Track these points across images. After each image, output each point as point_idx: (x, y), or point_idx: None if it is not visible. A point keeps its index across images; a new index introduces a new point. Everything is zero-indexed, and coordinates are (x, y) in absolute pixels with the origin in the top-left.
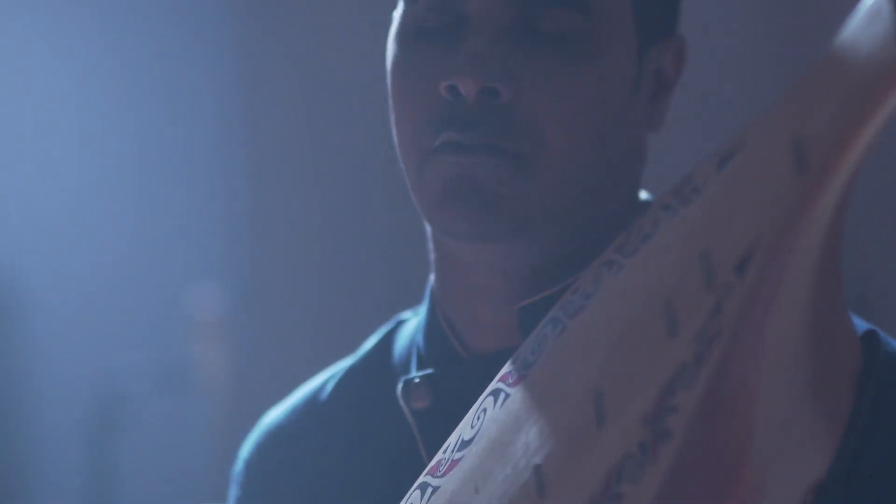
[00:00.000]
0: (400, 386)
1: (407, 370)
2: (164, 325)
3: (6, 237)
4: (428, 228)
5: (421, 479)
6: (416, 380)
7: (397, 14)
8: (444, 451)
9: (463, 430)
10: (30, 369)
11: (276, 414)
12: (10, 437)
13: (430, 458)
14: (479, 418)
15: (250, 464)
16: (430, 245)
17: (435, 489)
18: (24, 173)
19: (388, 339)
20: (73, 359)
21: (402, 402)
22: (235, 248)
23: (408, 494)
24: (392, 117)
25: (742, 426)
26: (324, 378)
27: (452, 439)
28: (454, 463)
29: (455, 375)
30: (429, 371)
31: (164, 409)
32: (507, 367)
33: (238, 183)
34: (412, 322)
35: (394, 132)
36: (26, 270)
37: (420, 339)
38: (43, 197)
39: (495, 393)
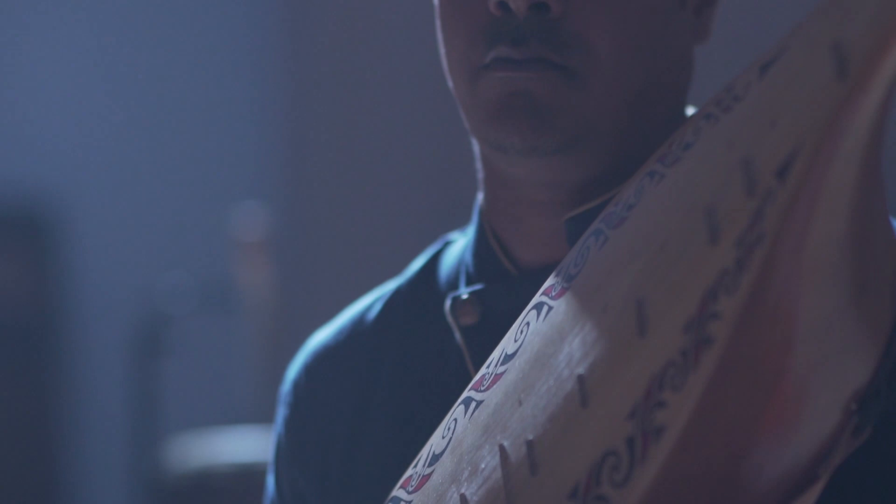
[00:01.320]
0: (448, 302)
1: (455, 288)
2: (209, 245)
3: (50, 158)
4: (476, 146)
5: (465, 394)
6: (465, 296)
7: None
8: (488, 366)
9: (506, 344)
10: (74, 290)
11: (323, 335)
12: (55, 359)
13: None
14: (522, 332)
15: (298, 384)
16: (479, 163)
17: (479, 403)
18: (69, 93)
19: (436, 260)
20: (117, 280)
21: (450, 318)
22: (280, 168)
23: (452, 410)
24: (440, 35)
25: (784, 333)
26: (371, 299)
27: (496, 354)
28: (497, 377)
29: (503, 291)
30: (477, 287)
31: (208, 329)
32: (550, 281)
33: (284, 103)
34: (459, 243)
35: (442, 50)
36: (70, 191)
37: (468, 257)
38: (87, 117)
39: (538, 306)
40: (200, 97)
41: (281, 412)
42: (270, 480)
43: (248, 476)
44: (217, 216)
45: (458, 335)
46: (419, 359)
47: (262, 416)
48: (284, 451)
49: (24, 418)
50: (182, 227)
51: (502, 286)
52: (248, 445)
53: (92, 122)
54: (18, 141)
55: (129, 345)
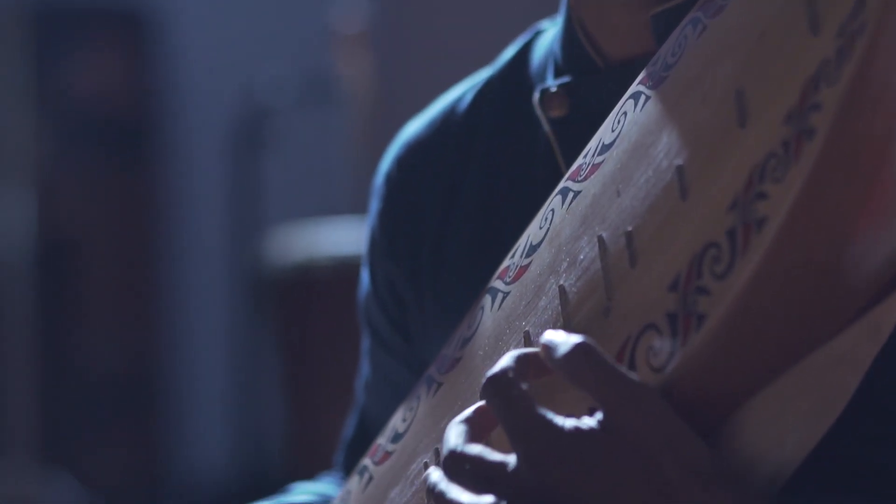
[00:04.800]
0: (537, 95)
1: (544, 79)
2: (309, 37)
3: None
4: None
5: (562, 184)
6: (553, 88)
7: None
8: (585, 156)
9: (603, 133)
10: (174, 85)
11: (415, 126)
12: (156, 155)
13: (568, 167)
14: (619, 122)
15: (390, 177)
16: None
17: (576, 194)
18: None
19: (526, 50)
20: (217, 74)
21: (539, 110)
22: None
23: (548, 200)
24: None
25: (886, 122)
26: (462, 89)
27: (593, 144)
28: (595, 167)
29: (591, 83)
30: (565, 79)
31: (308, 121)
32: (647, 70)
33: None
34: (550, 32)
35: None
36: None
37: (557, 49)
38: None
39: (636, 96)
40: None
41: (374, 205)
42: (365, 273)
43: (347, 268)
44: (317, 8)
45: (546, 127)
46: (509, 150)
47: (360, 207)
48: (378, 244)
49: (125, 216)
50: (282, 20)
51: (590, 79)
52: (347, 237)
53: None
54: None
55: (229, 139)
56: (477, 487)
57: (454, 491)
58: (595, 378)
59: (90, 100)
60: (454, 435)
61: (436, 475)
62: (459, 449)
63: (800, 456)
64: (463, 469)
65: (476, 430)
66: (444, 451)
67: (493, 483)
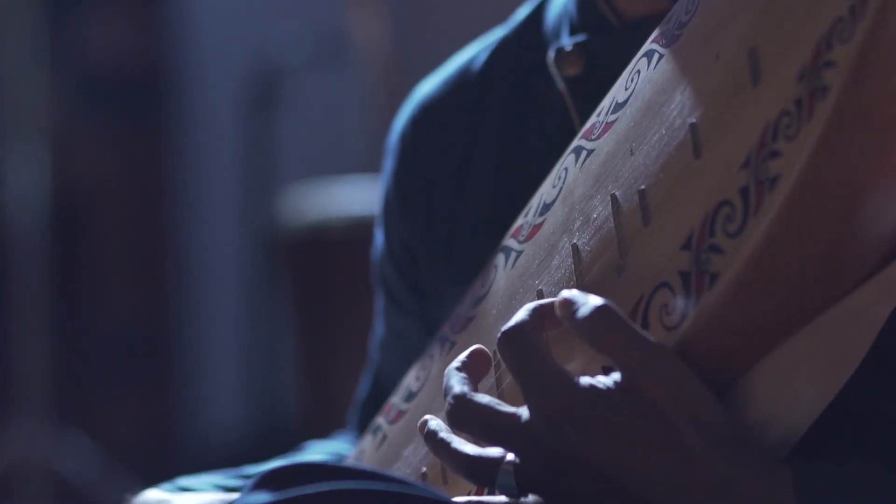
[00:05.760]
0: (552, 53)
1: (559, 38)
2: None
3: None
4: None
5: (575, 142)
6: (568, 47)
7: None
8: (598, 115)
9: (617, 92)
10: (187, 44)
11: (429, 86)
12: (169, 114)
13: (582, 125)
14: (632, 80)
15: (405, 136)
16: None
17: (589, 152)
18: None
19: (541, 9)
20: (230, 32)
21: (553, 69)
22: None
23: (562, 158)
24: None
25: None
26: (477, 49)
27: (606, 102)
28: (608, 126)
29: (606, 42)
30: (580, 38)
31: (322, 81)
32: (660, 28)
33: None
34: None
35: None
36: None
37: (571, 7)
38: None
39: (649, 54)
40: None
41: (388, 164)
42: (379, 233)
43: (361, 228)
44: None
45: (561, 86)
46: (523, 110)
47: (375, 167)
48: (391, 203)
49: (139, 174)
50: None
51: (605, 37)
52: (361, 197)
53: None
54: None
55: (243, 98)
56: (484, 438)
57: (457, 441)
58: (615, 340)
59: (104, 58)
60: (456, 381)
61: (434, 423)
62: (468, 396)
63: (812, 415)
64: (468, 418)
65: (473, 377)
66: (448, 398)
67: (503, 435)
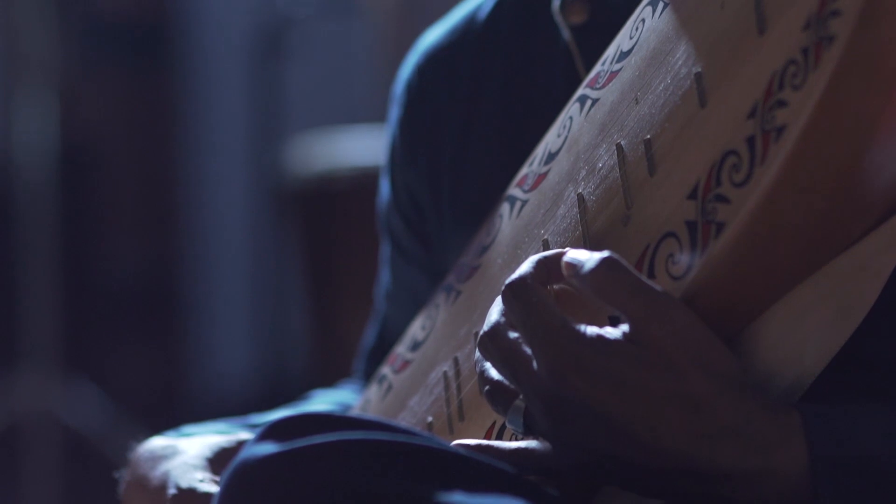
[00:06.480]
0: (557, 1)
1: None
2: None
3: None
4: None
5: (580, 91)
6: None
7: None
8: (603, 63)
9: (621, 41)
10: None
11: (434, 34)
12: (176, 64)
13: (588, 74)
14: (637, 29)
15: (410, 84)
16: None
17: (594, 101)
18: None
19: None
20: None
21: (558, 17)
22: None
23: (567, 107)
24: None
25: None
26: None
27: (611, 51)
28: (613, 74)
29: None
30: None
31: (329, 31)
32: None
33: None
34: None
35: None
36: None
37: None
38: None
39: (653, 3)
40: None
41: (394, 113)
42: (385, 182)
43: (368, 178)
44: None
45: (566, 34)
46: (528, 58)
47: (382, 116)
48: (397, 152)
49: (147, 123)
50: None
51: None
52: (368, 146)
53: None
54: None
55: (250, 47)
56: (500, 374)
57: (488, 366)
58: (621, 290)
59: (112, 5)
60: (497, 312)
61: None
62: (499, 328)
63: (820, 365)
64: (492, 350)
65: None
66: (485, 325)
67: (515, 376)
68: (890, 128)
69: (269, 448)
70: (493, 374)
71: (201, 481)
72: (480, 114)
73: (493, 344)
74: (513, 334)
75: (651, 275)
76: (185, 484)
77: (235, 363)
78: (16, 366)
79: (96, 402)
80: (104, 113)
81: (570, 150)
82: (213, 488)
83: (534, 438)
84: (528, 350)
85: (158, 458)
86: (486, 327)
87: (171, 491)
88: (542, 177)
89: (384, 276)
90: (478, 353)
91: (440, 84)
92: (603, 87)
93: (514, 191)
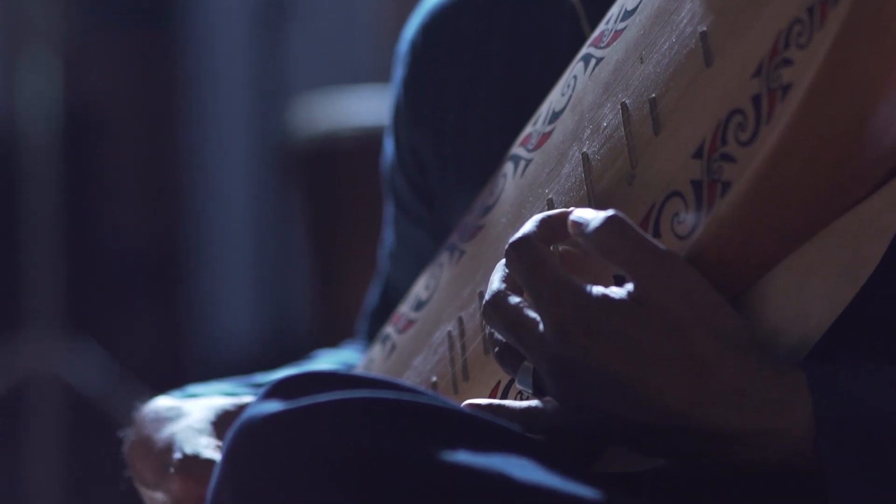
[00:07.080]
0: None
1: None
2: None
3: None
4: None
5: (584, 50)
6: None
7: None
8: (607, 22)
9: (626, 0)
10: None
11: None
12: (184, 26)
13: (592, 33)
14: None
15: (415, 44)
16: None
17: (599, 60)
18: None
19: None
20: None
21: None
22: None
23: (571, 66)
24: None
25: None
26: None
27: (615, 10)
28: (618, 34)
29: None
30: None
31: None
32: None
33: None
34: None
35: None
36: None
37: None
38: None
39: None
40: None
41: (398, 72)
42: (389, 141)
43: (372, 138)
44: None
45: None
46: (533, 17)
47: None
48: (402, 112)
49: (150, 86)
50: None
51: None
52: (372, 107)
53: None
54: None
55: (254, 8)
56: (506, 338)
57: (496, 330)
58: (626, 249)
59: None
60: (498, 278)
61: (483, 318)
62: (501, 294)
63: (826, 323)
64: (495, 316)
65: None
66: (486, 292)
67: (520, 339)
68: (895, 87)
69: (274, 406)
70: (503, 336)
71: (206, 447)
72: (485, 74)
73: (495, 312)
74: (515, 299)
75: (656, 234)
76: (189, 449)
77: (239, 324)
78: (20, 328)
79: (100, 363)
80: (108, 76)
81: (575, 109)
82: (217, 455)
83: (543, 398)
84: (532, 314)
85: (163, 419)
86: (487, 296)
87: (177, 455)
88: (546, 136)
89: (388, 237)
90: (486, 320)
91: (445, 44)
92: (607, 45)
93: (518, 150)
